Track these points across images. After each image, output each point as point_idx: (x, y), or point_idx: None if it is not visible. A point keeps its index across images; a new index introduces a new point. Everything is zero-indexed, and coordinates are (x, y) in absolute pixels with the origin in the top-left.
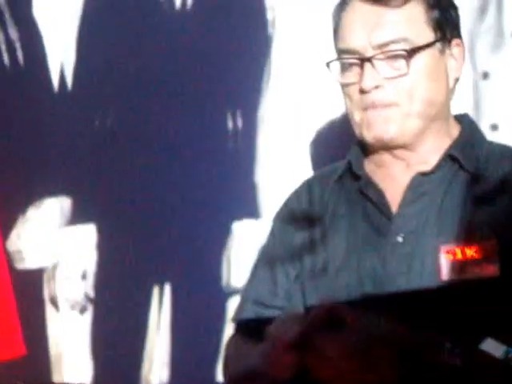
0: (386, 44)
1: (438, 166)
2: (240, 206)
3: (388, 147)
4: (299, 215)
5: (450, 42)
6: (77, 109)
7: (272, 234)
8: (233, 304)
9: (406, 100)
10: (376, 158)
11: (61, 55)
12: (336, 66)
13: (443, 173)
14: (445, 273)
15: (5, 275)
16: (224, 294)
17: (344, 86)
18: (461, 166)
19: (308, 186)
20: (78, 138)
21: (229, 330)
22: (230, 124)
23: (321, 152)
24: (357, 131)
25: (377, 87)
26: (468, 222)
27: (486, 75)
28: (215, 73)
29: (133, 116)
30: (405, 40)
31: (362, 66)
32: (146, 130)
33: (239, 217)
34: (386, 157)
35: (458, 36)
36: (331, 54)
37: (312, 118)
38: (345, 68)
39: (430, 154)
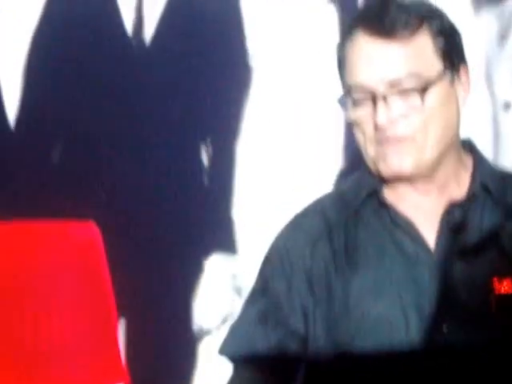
0: (398, 80)
1: (471, 196)
2: (215, 240)
3: (405, 180)
4: (317, 243)
5: (458, 69)
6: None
7: (278, 260)
8: (204, 344)
9: (421, 133)
10: (395, 188)
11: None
12: (346, 100)
13: (476, 202)
14: (493, 304)
15: (113, 305)
16: (193, 334)
17: (356, 121)
18: (489, 194)
19: (320, 213)
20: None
21: (198, 372)
22: (205, 159)
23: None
24: (372, 166)
25: (391, 123)
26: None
27: (507, 105)
28: (192, 107)
29: (103, 149)
30: (416, 75)
31: (374, 102)
32: (119, 165)
33: (213, 251)
34: (405, 188)
35: (464, 63)
36: (310, 89)
37: (290, 153)
38: (356, 103)
39: (447, 182)
